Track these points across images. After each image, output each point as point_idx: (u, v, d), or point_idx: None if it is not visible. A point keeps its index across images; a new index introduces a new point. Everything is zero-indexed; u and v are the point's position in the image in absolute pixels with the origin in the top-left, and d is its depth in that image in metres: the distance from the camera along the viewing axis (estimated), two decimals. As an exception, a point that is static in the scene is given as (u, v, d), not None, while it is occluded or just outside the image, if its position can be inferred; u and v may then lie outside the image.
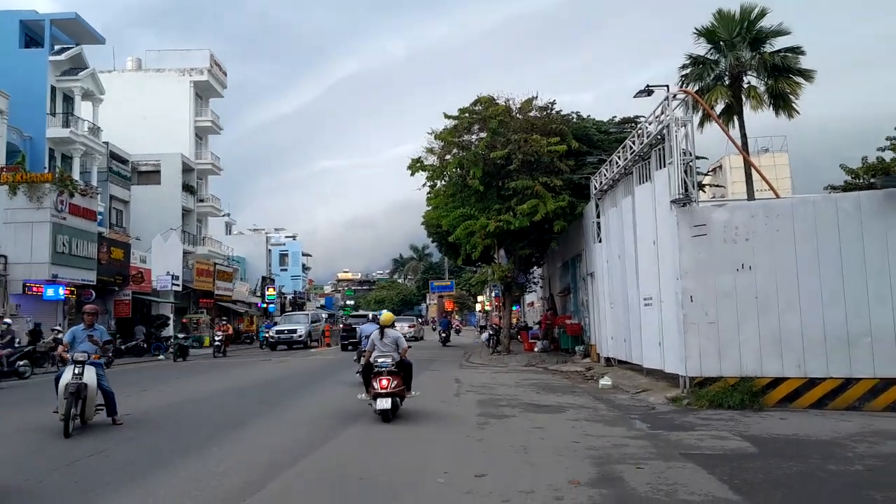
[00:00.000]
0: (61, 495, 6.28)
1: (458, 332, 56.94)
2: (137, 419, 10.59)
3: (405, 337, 11.39)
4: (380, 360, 10.09)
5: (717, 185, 34.06)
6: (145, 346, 30.66)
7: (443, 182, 25.40)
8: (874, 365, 10.60)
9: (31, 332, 23.09)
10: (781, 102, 21.03)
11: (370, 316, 21.48)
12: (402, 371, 10.23)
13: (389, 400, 9.81)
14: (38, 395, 13.56)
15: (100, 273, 29.33)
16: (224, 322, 35.11)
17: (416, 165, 24.65)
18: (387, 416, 9.82)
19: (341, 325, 36.95)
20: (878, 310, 10.75)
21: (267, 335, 37.39)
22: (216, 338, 30.42)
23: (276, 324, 39.49)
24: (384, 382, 9.82)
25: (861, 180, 22.75)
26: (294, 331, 34.58)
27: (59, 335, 22.04)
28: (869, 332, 10.72)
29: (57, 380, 9.50)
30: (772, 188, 15.72)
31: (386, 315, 10.82)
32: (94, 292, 28.55)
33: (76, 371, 9.23)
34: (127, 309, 32.49)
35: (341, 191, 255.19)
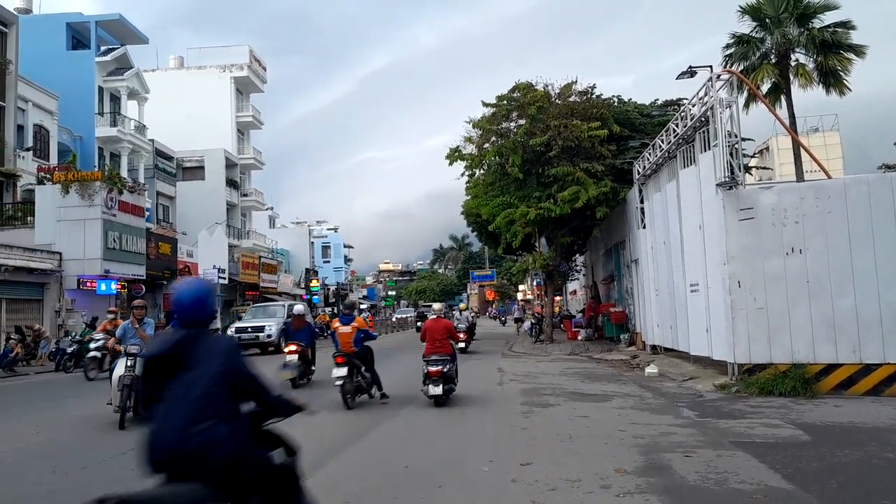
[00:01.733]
0: (115, 483, 6.47)
1: (503, 322, 57.01)
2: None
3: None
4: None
5: (765, 168, 33.13)
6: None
7: (482, 171, 25.24)
8: (935, 349, 10.20)
9: (89, 326, 23.86)
10: (832, 79, 20.28)
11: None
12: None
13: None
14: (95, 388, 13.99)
15: (149, 268, 30.12)
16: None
17: (454, 155, 24.55)
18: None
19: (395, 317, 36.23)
20: (938, 291, 10.32)
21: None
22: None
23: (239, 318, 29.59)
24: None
25: (918, 158, 21.88)
26: (261, 328, 25.21)
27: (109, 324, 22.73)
28: (929, 314, 10.31)
29: (111, 373, 9.72)
30: (823, 169, 15.21)
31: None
32: (143, 286, 29.35)
33: (129, 364, 9.41)
34: (176, 303, 33.31)
35: (378, 182, 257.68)
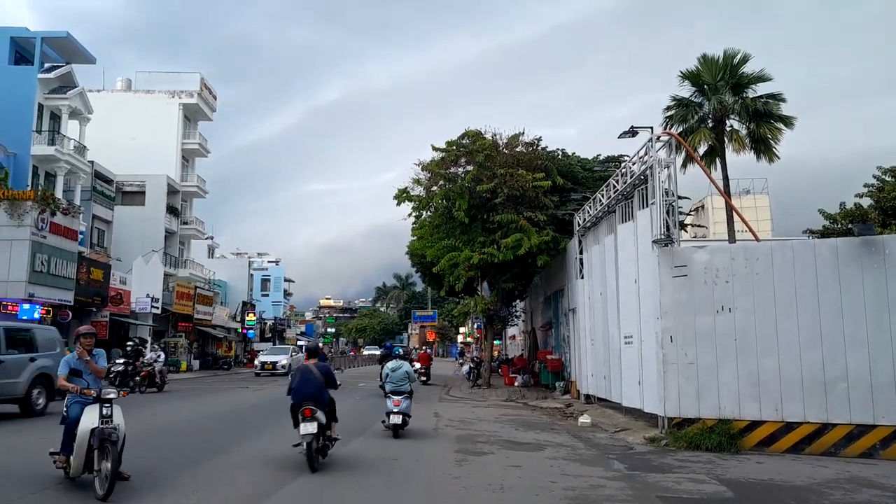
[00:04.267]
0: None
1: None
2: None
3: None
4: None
5: (699, 226, 34.47)
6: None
7: (429, 213, 25.48)
8: (850, 410, 10.68)
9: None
10: (762, 147, 21.37)
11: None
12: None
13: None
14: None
15: (78, 293, 28.92)
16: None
17: (402, 196, 24.73)
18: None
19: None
20: (853, 355, 10.85)
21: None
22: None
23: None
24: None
25: (839, 225, 23.18)
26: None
27: None
28: (845, 376, 10.81)
29: (69, 424, 7.39)
30: (752, 230, 15.92)
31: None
32: (70, 313, 28.13)
33: (105, 413, 7.16)
34: (104, 331, 31.94)
35: (322, 215, 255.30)
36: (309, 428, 8.61)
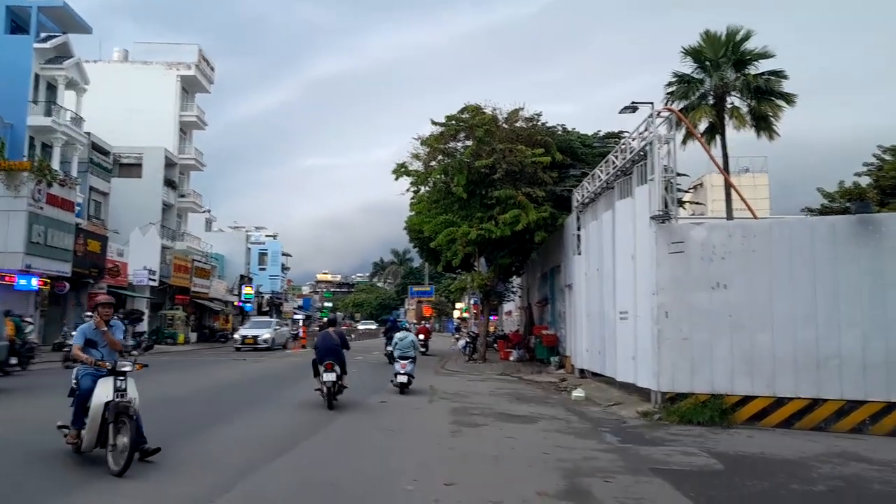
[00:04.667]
0: None
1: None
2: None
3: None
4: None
5: (698, 203, 34.45)
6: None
7: (427, 188, 25.40)
8: (842, 387, 10.77)
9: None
10: (763, 124, 21.33)
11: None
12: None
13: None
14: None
15: (75, 265, 28.94)
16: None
17: (400, 170, 24.62)
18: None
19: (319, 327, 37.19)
20: (848, 333, 10.92)
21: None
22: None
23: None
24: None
25: (837, 204, 23.19)
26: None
27: (30, 326, 21.68)
28: (838, 354, 10.89)
29: (80, 396, 7.09)
30: (749, 208, 15.93)
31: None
32: (68, 284, 28.21)
33: (119, 385, 6.90)
34: (101, 302, 32.10)
35: (320, 190, 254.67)
36: (330, 377, 11.92)
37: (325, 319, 17.71)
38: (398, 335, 15.71)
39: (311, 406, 12.04)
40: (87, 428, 6.90)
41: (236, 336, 34.57)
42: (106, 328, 7.42)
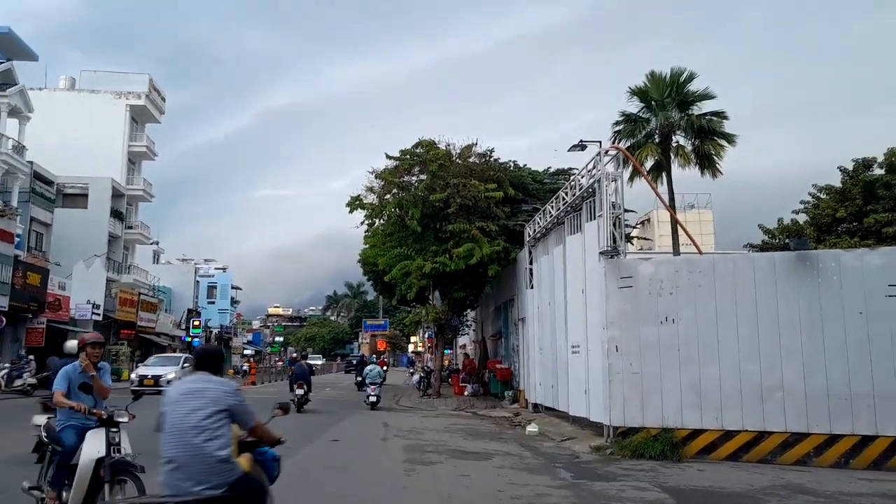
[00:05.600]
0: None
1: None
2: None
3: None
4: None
5: (645, 238, 35.29)
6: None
7: (381, 221, 25.40)
8: (786, 419, 11.05)
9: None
10: (707, 162, 22.07)
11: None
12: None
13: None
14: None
15: (13, 298, 27.78)
16: None
17: (355, 203, 24.60)
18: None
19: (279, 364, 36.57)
20: (789, 365, 11.25)
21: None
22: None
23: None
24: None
25: (777, 240, 24.04)
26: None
27: None
28: (781, 386, 11.19)
29: (64, 454, 6.11)
30: (695, 244, 16.40)
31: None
32: (4, 319, 27.02)
33: (114, 438, 6.07)
34: (40, 338, 30.75)
35: (271, 221, 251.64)
36: (300, 391, 18.83)
37: (297, 354, 21.54)
38: (367, 368, 22.25)
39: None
40: (74, 489, 5.86)
41: (133, 376, 26.90)
42: (94, 372, 6.45)
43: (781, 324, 11.40)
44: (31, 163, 34.23)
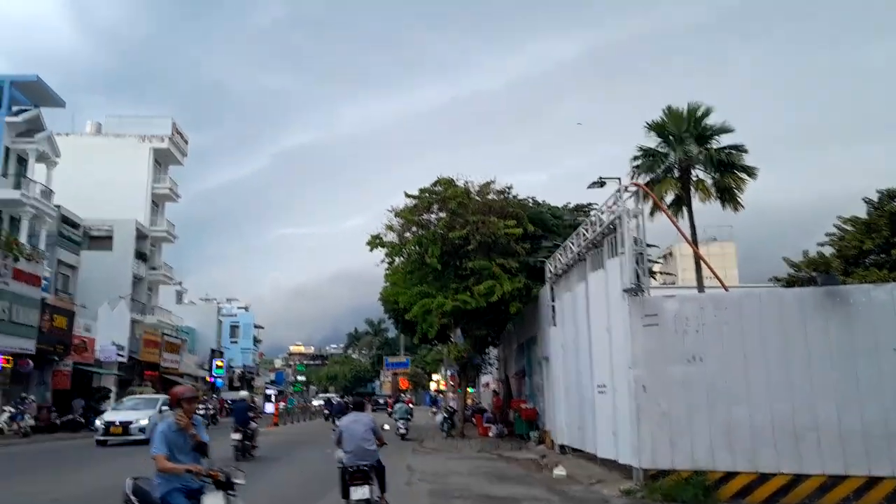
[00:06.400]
0: None
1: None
2: None
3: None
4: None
5: (668, 273, 34.96)
6: (83, 420, 29.05)
7: (401, 259, 25.46)
8: (822, 461, 10.70)
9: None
10: (727, 196, 21.89)
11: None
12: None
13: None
14: None
15: (40, 341, 28.13)
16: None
17: (375, 242, 24.70)
18: None
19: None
20: (822, 404, 10.93)
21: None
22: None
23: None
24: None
25: (803, 273, 23.65)
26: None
27: None
28: (815, 426, 10.86)
29: None
30: (719, 280, 16.17)
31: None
32: (31, 362, 27.32)
33: (233, 503, 5.69)
34: (66, 380, 31.06)
35: (292, 259, 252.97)
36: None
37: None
38: (397, 405, 28.01)
39: None
40: None
41: (98, 423, 22.69)
42: (194, 428, 5.88)
43: (812, 362, 11.13)
44: (58, 206, 35.00)
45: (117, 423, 21.97)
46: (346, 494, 7.97)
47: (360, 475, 7.93)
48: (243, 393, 23.25)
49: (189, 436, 5.80)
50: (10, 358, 26.03)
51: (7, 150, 32.23)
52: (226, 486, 5.57)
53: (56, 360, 30.65)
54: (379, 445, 8.39)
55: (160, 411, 22.10)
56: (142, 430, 21.28)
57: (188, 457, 5.76)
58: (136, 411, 22.85)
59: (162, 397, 24.31)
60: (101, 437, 22.02)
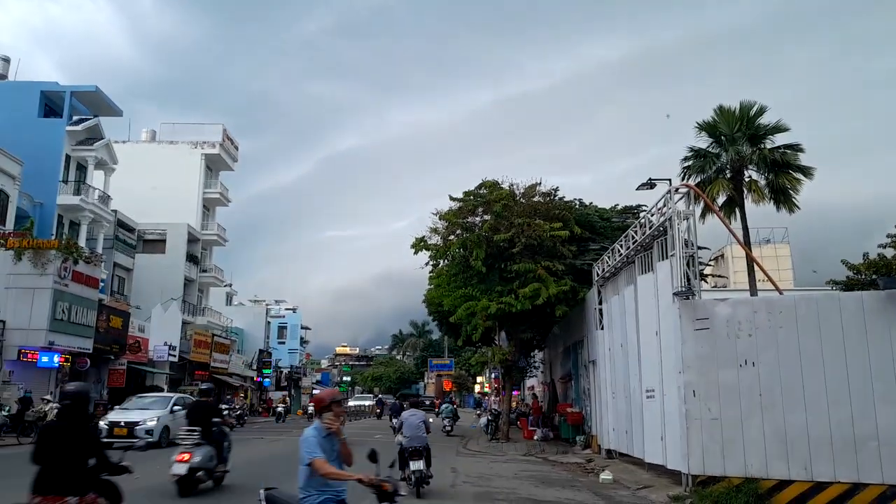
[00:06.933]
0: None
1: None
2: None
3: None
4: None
5: (719, 276, 34.12)
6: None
7: (446, 262, 25.52)
8: (882, 470, 10.30)
9: (21, 400, 22.70)
10: (782, 197, 21.23)
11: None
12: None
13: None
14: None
15: (97, 341, 29.09)
16: None
17: (419, 244, 24.83)
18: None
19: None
20: (884, 411, 10.52)
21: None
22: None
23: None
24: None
25: (863, 276, 22.77)
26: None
27: (51, 404, 21.46)
28: (876, 434, 10.46)
29: None
30: (773, 283, 15.73)
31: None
32: (89, 360, 28.28)
33: None
34: (121, 378, 32.04)
35: (338, 261, 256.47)
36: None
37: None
38: (444, 406, 30.82)
39: None
40: None
41: (102, 424, 18.99)
42: (343, 436, 5.35)
43: (873, 368, 10.73)
44: (115, 212, 36.26)
45: (122, 424, 19.49)
46: (402, 467, 11.02)
47: (417, 453, 11.21)
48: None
49: (339, 441, 5.28)
50: (69, 356, 26.97)
51: (68, 157, 33.55)
52: (390, 497, 5.09)
53: (111, 359, 31.66)
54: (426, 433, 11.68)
55: (171, 412, 20.66)
56: (149, 432, 18.83)
57: (335, 464, 5.18)
58: (145, 411, 20.58)
59: (175, 396, 22.77)
60: (105, 439, 17.19)
